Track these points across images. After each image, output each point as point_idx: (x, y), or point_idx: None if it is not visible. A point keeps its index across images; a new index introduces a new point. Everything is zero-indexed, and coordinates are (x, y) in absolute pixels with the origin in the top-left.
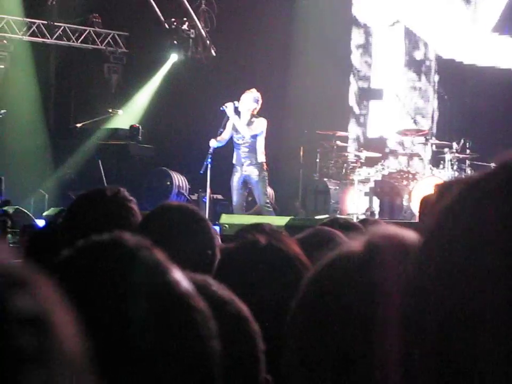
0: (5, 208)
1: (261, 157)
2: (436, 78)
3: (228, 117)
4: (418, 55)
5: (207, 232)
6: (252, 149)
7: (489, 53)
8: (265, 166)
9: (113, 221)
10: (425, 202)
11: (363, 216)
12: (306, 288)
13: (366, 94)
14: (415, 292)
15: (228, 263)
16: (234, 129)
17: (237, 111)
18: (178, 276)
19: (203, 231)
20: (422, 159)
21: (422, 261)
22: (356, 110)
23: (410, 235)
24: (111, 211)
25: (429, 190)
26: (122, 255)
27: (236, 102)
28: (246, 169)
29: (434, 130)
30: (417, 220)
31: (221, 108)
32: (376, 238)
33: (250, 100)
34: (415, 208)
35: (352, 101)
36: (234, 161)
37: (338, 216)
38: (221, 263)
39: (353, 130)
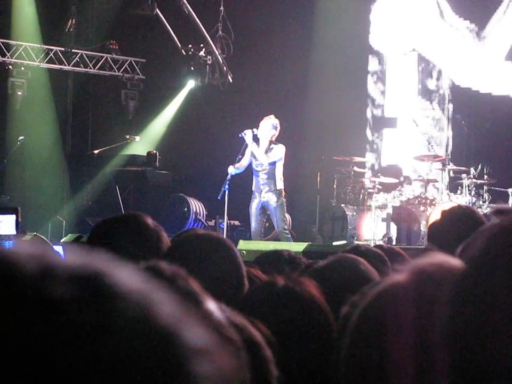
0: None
1: (280, 184)
2: (450, 106)
3: (247, 144)
4: (432, 83)
5: (234, 261)
6: (271, 176)
7: (504, 81)
8: (283, 193)
9: (143, 247)
10: (433, 227)
11: (380, 242)
12: (356, 323)
13: (380, 122)
14: (457, 318)
15: (244, 305)
16: (253, 156)
17: (255, 138)
18: (212, 306)
19: (230, 261)
20: (438, 185)
21: (465, 288)
22: (370, 137)
23: (454, 263)
24: (144, 237)
25: None
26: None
27: (254, 130)
28: (264, 196)
29: (450, 157)
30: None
31: (240, 135)
32: (421, 267)
33: (269, 126)
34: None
35: (367, 129)
36: (253, 188)
37: (359, 243)
38: (237, 305)
39: (368, 158)
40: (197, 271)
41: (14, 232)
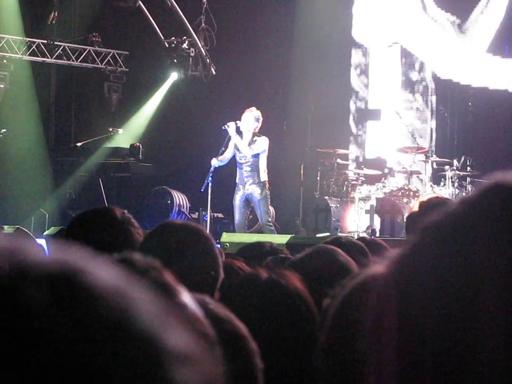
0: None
1: (263, 176)
2: (433, 98)
3: (230, 137)
4: (415, 75)
5: (211, 251)
6: (254, 168)
7: (485, 73)
8: (267, 185)
9: (117, 241)
10: (410, 218)
11: (364, 234)
12: (334, 316)
13: (364, 115)
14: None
15: (228, 297)
16: (237, 148)
17: (238, 131)
18: (187, 298)
19: (207, 251)
20: (422, 176)
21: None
22: (354, 130)
23: None
24: (113, 229)
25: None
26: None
27: (237, 122)
28: (248, 188)
29: (433, 149)
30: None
31: (223, 127)
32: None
33: (251, 119)
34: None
35: (350, 121)
36: (237, 180)
37: (341, 234)
38: (221, 298)
39: (352, 150)
40: (173, 262)
41: None
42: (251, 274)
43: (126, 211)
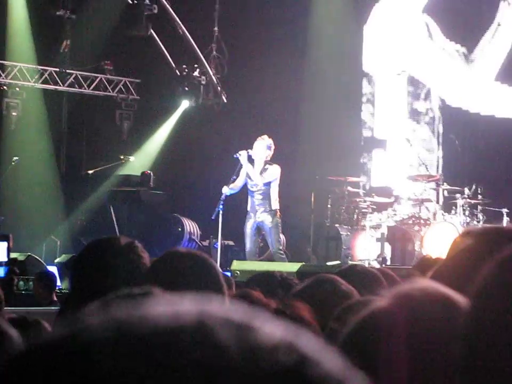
0: (15, 258)
1: (275, 204)
2: (440, 127)
3: (241, 165)
4: (422, 105)
5: (217, 279)
6: (266, 196)
7: (494, 101)
8: (278, 213)
9: (124, 271)
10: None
11: (375, 263)
12: (345, 344)
13: (370, 143)
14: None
15: None
16: (248, 176)
17: (250, 159)
18: None
19: (212, 279)
20: (432, 204)
21: (471, 326)
22: (361, 158)
23: (438, 288)
24: (122, 262)
25: (441, 235)
26: None
27: (249, 150)
28: (259, 216)
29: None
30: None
31: (235, 156)
32: (404, 293)
33: (263, 147)
34: (427, 253)
35: (359, 149)
36: (248, 208)
37: (355, 263)
38: None
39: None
40: (178, 290)
41: (5, 258)
42: (261, 305)
43: (135, 241)
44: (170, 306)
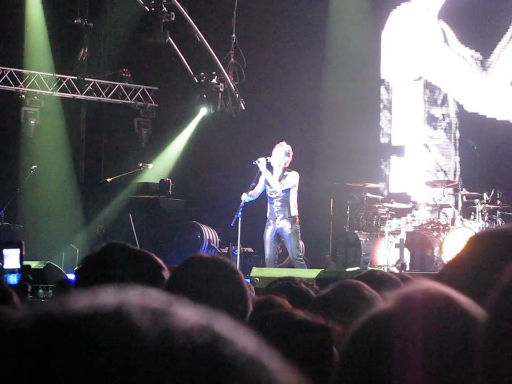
0: (29, 265)
1: (294, 211)
2: (457, 133)
3: (260, 172)
4: (438, 111)
5: (240, 285)
6: (285, 203)
7: (510, 106)
8: (297, 220)
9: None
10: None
11: (394, 268)
12: (341, 356)
13: (387, 150)
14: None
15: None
16: (267, 183)
17: (269, 166)
18: None
19: (235, 284)
20: (450, 210)
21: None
22: (379, 165)
23: (441, 289)
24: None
25: (460, 241)
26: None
27: (268, 158)
28: (279, 223)
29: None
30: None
31: (254, 163)
32: (406, 294)
33: (281, 154)
34: (447, 259)
35: (377, 155)
36: (267, 215)
37: (374, 268)
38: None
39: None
40: (201, 295)
41: (18, 266)
42: (285, 313)
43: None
44: (92, 297)
